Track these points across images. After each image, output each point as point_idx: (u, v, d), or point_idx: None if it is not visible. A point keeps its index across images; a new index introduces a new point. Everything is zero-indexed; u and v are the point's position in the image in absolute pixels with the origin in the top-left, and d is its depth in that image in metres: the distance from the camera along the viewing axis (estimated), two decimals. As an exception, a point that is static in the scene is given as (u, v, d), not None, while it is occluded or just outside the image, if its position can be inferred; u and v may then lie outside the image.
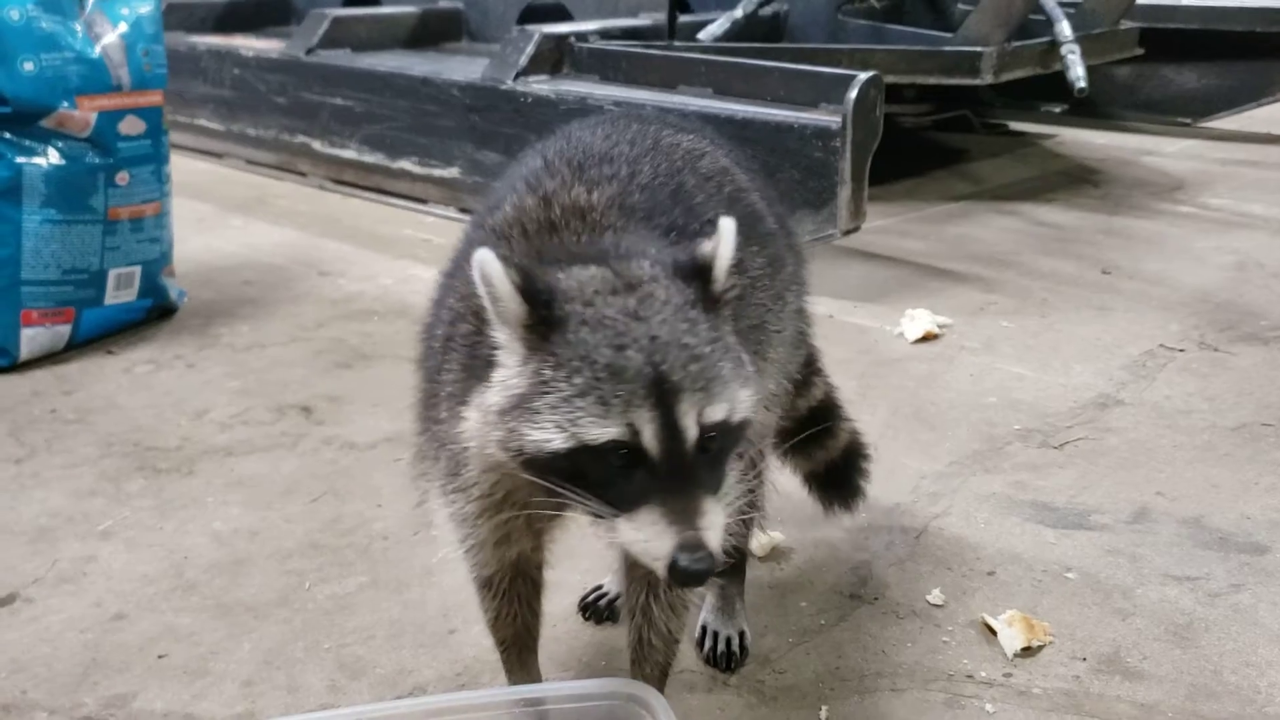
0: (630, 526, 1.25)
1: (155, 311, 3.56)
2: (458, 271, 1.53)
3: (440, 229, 4.59)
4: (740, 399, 1.31)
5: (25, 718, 1.85)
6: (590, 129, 1.78)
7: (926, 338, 3.43)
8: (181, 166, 4.37)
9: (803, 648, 2.02)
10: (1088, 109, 6.34)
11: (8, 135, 3.14)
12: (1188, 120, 6.43)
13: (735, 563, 2.03)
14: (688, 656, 2.01)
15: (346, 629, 2.09)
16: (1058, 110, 6.61)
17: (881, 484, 2.54)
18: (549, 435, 1.25)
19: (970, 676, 1.96)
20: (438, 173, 4.78)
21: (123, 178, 3.33)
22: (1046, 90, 5.99)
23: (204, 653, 2.02)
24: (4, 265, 3.16)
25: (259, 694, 1.91)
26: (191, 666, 1.98)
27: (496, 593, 1.68)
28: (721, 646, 2.00)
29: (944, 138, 6.16)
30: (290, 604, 2.16)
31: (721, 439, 1.30)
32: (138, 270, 3.43)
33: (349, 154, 5.11)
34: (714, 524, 1.25)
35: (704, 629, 2.02)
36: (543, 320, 1.27)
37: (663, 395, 1.23)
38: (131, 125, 3.35)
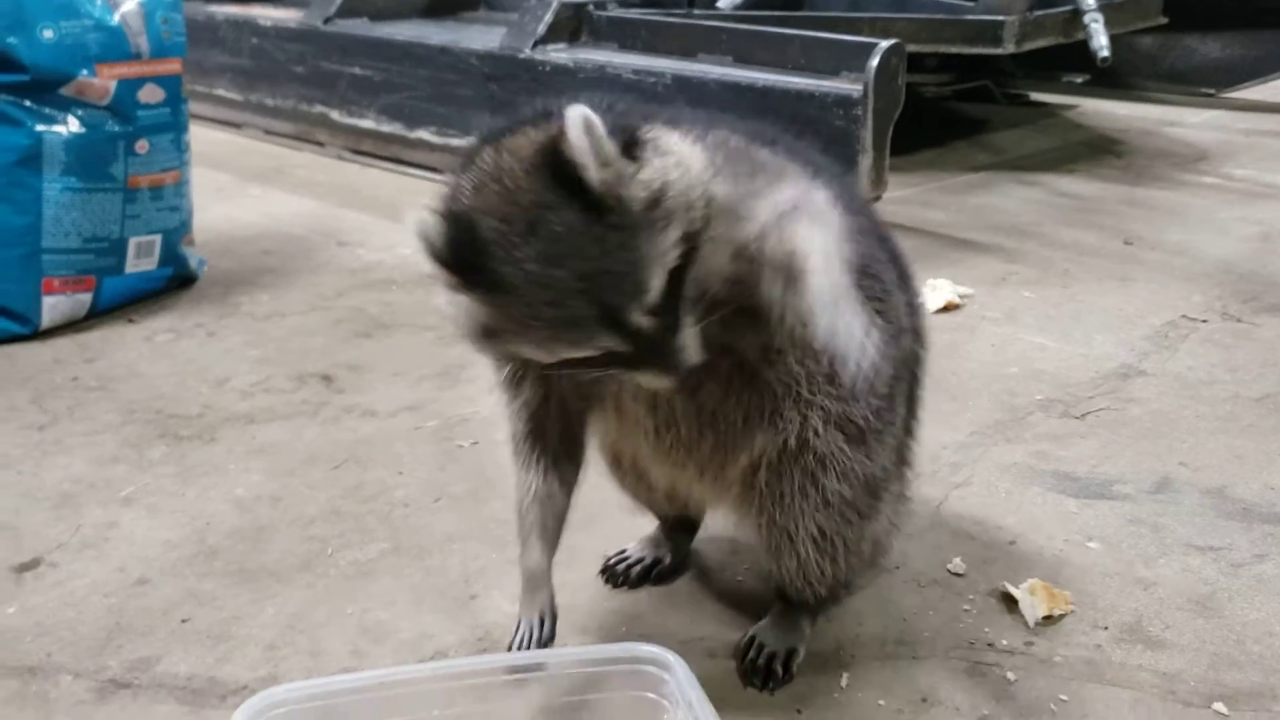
0: (633, 378, 1.51)
1: (175, 280, 3.56)
2: None
3: (458, 199, 4.58)
4: (669, 254, 1.40)
5: (50, 680, 1.87)
6: None
7: (948, 308, 3.42)
8: (200, 136, 4.36)
9: (823, 616, 2.01)
10: (1110, 79, 6.27)
11: (27, 103, 3.14)
12: (1212, 91, 6.37)
13: (810, 601, 1.90)
14: (708, 625, 2.01)
15: (368, 594, 2.10)
16: (1080, 80, 6.54)
17: (902, 453, 2.53)
18: (533, 353, 1.46)
19: (991, 645, 1.96)
20: (456, 142, 4.76)
21: (142, 146, 3.33)
22: (1069, 60, 5.93)
23: (227, 617, 2.03)
24: (25, 233, 3.16)
25: (282, 658, 1.92)
26: (215, 631, 1.99)
27: (530, 428, 1.77)
28: (761, 660, 1.86)
29: (965, 108, 6.12)
30: (312, 570, 2.17)
31: (674, 290, 1.42)
32: (158, 239, 3.44)
33: (367, 123, 5.10)
34: (686, 348, 1.45)
35: (751, 639, 1.90)
36: (478, 283, 1.38)
37: (612, 318, 1.38)
38: (151, 93, 3.34)
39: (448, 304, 1.48)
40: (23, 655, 1.92)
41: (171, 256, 3.50)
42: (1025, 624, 2.00)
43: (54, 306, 3.24)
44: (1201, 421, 2.74)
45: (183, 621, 2.02)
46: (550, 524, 1.79)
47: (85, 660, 1.92)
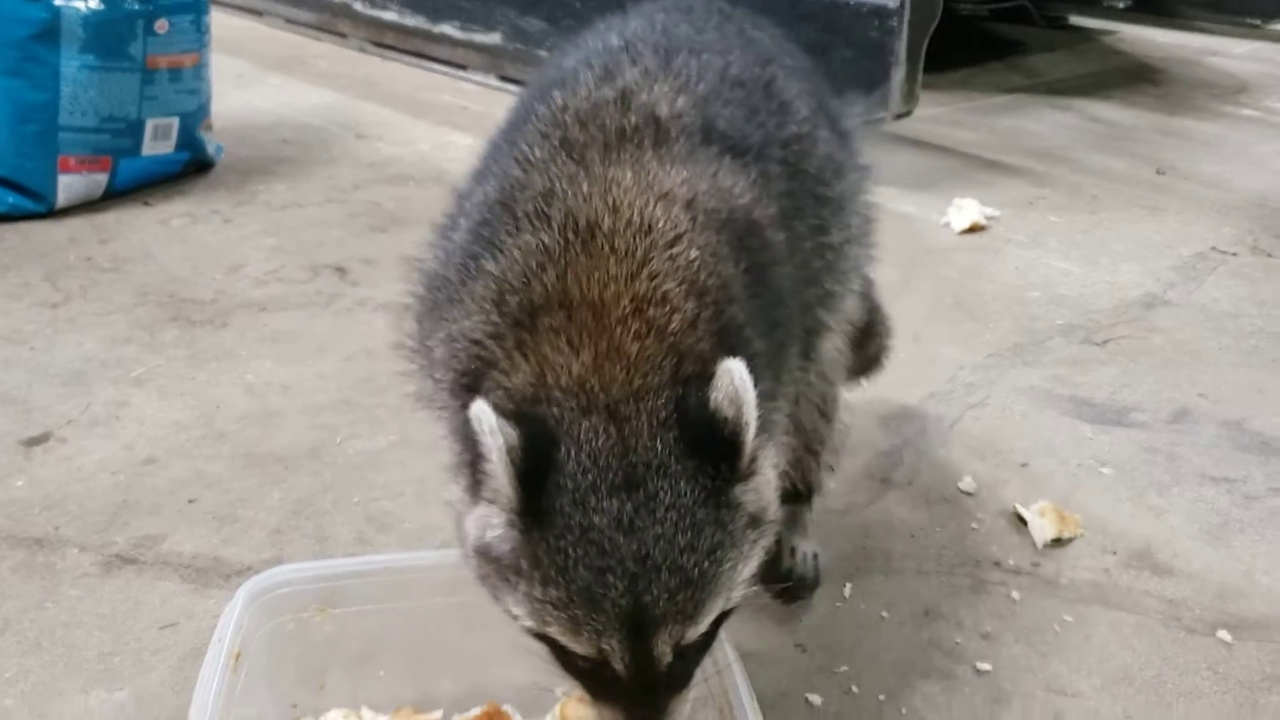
0: (595, 712, 1.20)
1: (192, 165, 3.52)
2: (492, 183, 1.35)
3: (479, 97, 4.52)
4: (736, 593, 1.16)
5: (57, 553, 1.87)
6: (671, 13, 1.62)
7: (973, 229, 3.36)
8: (220, 22, 4.28)
9: (831, 527, 2.00)
10: (1153, 6, 6.13)
11: (46, -24, 3.08)
12: (1257, 21, 6.21)
13: (805, 494, 1.90)
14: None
15: (375, 484, 2.09)
16: (1122, 5, 6.39)
17: (918, 372, 2.51)
18: (520, 613, 1.14)
19: (998, 564, 1.94)
20: (479, 38, 4.67)
21: (161, 25, 3.27)
22: (1111, -17, 5.78)
23: (233, 500, 2.03)
24: (41, 110, 3.12)
25: (287, 542, 1.92)
26: (221, 512, 1.99)
27: None
28: (806, 567, 1.85)
29: (1001, 29, 5.98)
30: (320, 457, 2.17)
31: (708, 637, 1.17)
32: (175, 122, 3.39)
33: (390, 16, 5.01)
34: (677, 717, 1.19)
35: (777, 541, 1.77)
36: (529, 510, 1.10)
37: (638, 627, 1.10)
38: (171, -29, 3.28)
39: (458, 497, 1.22)
40: (30, 527, 1.93)
41: (189, 141, 3.46)
42: (1033, 545, 1.99)
43: (69, 186, 3.20)
44: (1224, 354, 2.70)
45: (189, 502, 2.02)
46: None
47: (92, 535, 1.92)
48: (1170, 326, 2.82)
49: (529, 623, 1.14)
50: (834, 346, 1.75)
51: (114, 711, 1.56)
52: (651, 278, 1.19)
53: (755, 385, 1.10)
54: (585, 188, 1.25)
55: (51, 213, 3.18)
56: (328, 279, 2.91)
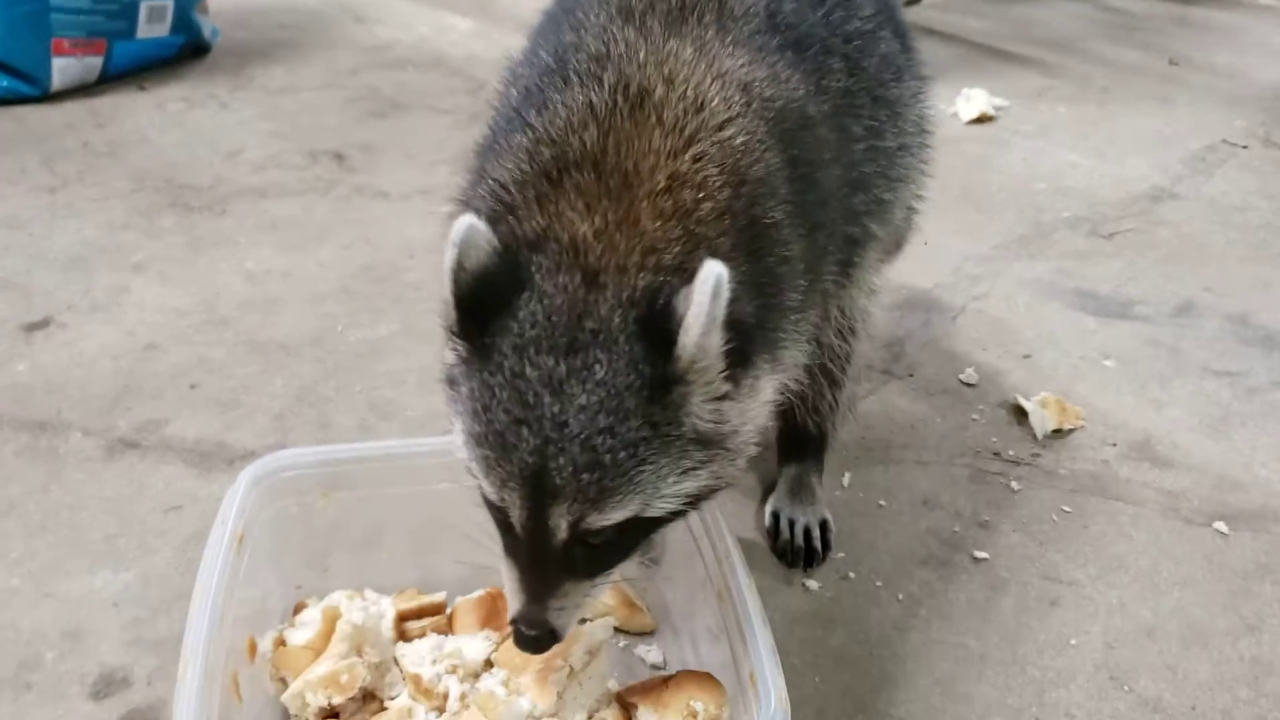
0: (501, 564, 1.21)
1: (188, 49, 3.46)
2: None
3: (481, -20, 4.42)
4: (658, 502, 1.12)
5: (60, 436, 1.88)
6: None
7: (981, 119, 3.31)
8: (214, -101, 4.17)
9: (828, 451, 1.96)
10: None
11: None
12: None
13: (814, 445, 1.79)
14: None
15: (377, 372, 2.09)
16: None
17: (923, 263, 2.48)
18: (459, 443, 1.16)
19: (997, 454, 1.95)
20: (481, -80, 4.55)
21: (153, -98, 3.18)
22: None
23: (235, 385, 2.03)
24: (33, -11, 3.05)
25: (290, 428, 1.93)
26: (223, 398, 2.00)
27: None
28: (799, 538, 1.72)
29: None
30: (322, 345, 2.16)
31: (619, 534, 1.15)
32: (170, 4, 3.32)
33: (389, -104, 4.86)
34: (567, 606, 1.19)
35: (775, 516, 1.76)
36: (469, 339, 1.11)
37: (539, 490, 1.09)
38: None
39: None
40: (33, 410, 1.93)
41: (184, 23, 3.39)
42: (1034, 436, 2.00)
43: (64, 69, 3.14)
44: (1230, 248, 2.68)
45: (191, 387, 2.02)
46: None
47: (95, 419, 1.92)
48: (1177, 220, 2.79)
49: (462, 453, 1.16)
50: (873, 259, 1.66)
51: (120, 591, 1.58)
52: (696, 159, 1.15)
53: (786, 292, 1.09)
54: (642, 55, 1.22)
55: (46, 96, 3.13)
56: (326, 165, 2.88)
